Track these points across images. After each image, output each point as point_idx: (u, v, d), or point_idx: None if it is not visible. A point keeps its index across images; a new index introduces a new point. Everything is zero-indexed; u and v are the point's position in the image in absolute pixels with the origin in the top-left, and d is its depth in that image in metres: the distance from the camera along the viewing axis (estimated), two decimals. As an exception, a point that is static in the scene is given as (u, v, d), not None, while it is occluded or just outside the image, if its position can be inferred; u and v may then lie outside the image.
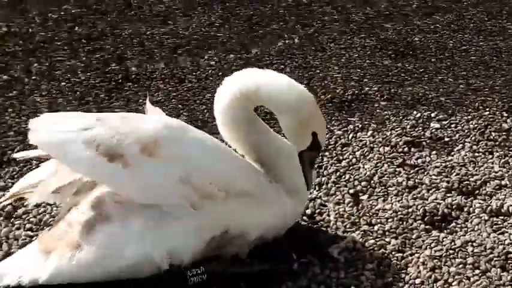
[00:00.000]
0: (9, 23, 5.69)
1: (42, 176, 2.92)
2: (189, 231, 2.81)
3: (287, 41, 5.59)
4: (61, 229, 2.86)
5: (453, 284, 3.04)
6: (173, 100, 4.64)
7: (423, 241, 3.31)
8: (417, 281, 3.06)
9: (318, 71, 5.10)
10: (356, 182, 3.74)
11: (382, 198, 3.64)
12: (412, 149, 4.08)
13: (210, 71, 5.08)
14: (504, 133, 4.24)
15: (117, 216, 2.79)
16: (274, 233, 3.12)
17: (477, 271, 3.13)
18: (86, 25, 5.73)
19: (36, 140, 2.79)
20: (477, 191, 3.70)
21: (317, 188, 3.68)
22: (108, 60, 5.17)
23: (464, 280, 3.07)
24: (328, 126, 4.29)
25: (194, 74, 5.03)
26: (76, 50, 5.33)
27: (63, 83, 4.83)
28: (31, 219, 3.38)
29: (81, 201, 2.87)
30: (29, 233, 3.28)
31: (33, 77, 4.88)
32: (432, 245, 3.28)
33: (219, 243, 2.91)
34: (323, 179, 3.77)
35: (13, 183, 3.48)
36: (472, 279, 3.07)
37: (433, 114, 4.45)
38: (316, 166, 3.73)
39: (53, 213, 3.40)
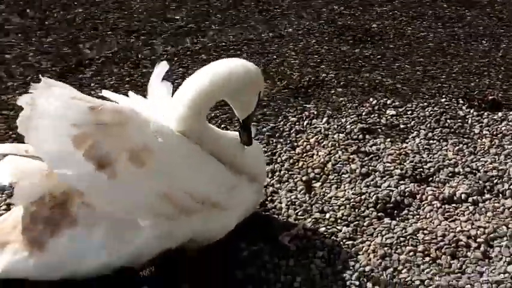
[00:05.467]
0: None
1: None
2: (151, 242, 2.72)
3: (244, 25, 5.52)
4: (19, 221, 2.73)
5: (403, 271, 3.02)
6: (126, 85, 4.54)
7: (374, 229, 3.28)
8: (367, 268, 3.03)
9: (274, 56, 5.05)
10: (309, 170, 3.70)
11: (335, 186, 3.60)
12: (367, 136, 4.04)
13: (165, 56, 4.99)
14: (459, 120, 4.23)
15: (83, 220, 2.68)
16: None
17: (427, 258, 3.10)
18: (40, 8, 5.60)
19: (23, 127, 2.57)
20: (430, 178, 3.68)
21: (269, 175, 3.63)
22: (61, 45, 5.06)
23: (414, 268, 3.04)
24: (283, 113, 4.25)
25: (149, 58, 4.94)
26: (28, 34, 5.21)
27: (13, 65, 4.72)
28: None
29: (43, 191, 2.74)
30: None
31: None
32: (383, 233, 3.25)
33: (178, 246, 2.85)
34: (276, 166, 3.72)
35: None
36: (421, 267, 3.05)
37: (389, 101, 4.42)
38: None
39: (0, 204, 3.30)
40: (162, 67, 3.29)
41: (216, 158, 2.89)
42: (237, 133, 3.05)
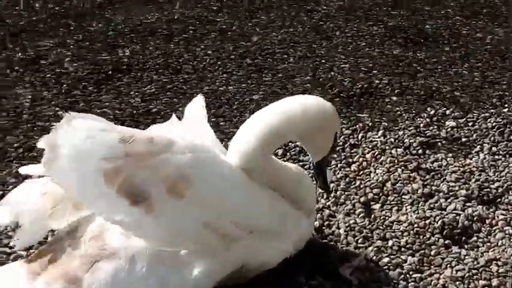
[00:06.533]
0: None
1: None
2: (200, 275, 2.50)
3: (290, 28, 5.25)
4: (55, 254, 2.52)
5: (478, 311, 2.75)
6: (168, 93, 4.30)
7: (443, 259, 3.00)
8: (438, 307, 2.76)
9: (323, 60, 4.77)
10: (367, 189, 3.43)
11: (396, 208, 3.33)
12: (427, 151, 3.76)
13: (208, 60, 4.73)
14: (525, 133, 3.93)
15: (123, 252, 2.48)
16: (294, 253, 2.83)
17: (503, 294, 2.83)
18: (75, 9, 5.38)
19: (49, 166, 2.39)
20: (499, 199, 3.40)
21: (325, 196, 3.36)
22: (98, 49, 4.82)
23: (490, 306, 2.77)
24: (336, 124, 3.98)
25: (191, 63, 4.69)
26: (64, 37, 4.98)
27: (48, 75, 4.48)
28: (10, 233, 3.01)
29: (80, 226, 2.56)
30: (6, 249, 2.94)
31: (15, 68, 4.52)
32: (453, 264, 2.97)
33: (231, 276, 2.63)
34: (331, 185, 3.44)
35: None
36: (498, 305, 2.77)
37: (448, 111, 4.14)
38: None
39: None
40: (198, 101, 3.04)
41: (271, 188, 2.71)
42: (295, 165, 2.86)
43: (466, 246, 3.10)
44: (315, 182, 2.91)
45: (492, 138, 3.90)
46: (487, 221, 3.23)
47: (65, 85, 4.33)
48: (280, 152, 3.68)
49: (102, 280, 2.44)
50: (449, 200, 3.37)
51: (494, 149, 3.81)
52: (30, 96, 4.17)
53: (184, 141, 2.54)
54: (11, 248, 2.93)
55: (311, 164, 2.95)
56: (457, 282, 2.86)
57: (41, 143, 2.42)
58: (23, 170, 2.61)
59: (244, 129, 2.65)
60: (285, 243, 2.75)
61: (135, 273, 2.46)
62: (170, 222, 2.43)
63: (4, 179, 3.35)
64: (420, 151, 3.76)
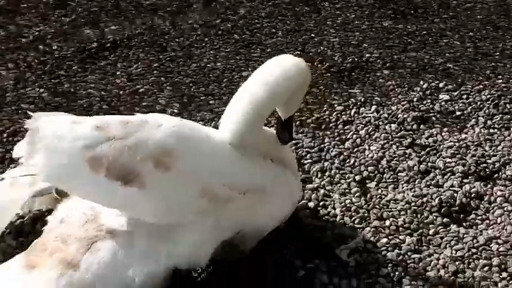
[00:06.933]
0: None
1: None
2: (198, 240, 2.49)
3: (277, 1, 5.14)
4: (50, 243, 2.47)
5: (480, 291, 2.69)
6: (155, 72, 4.19)
7: (441, 238, 2.94)
8: (440, 288, 2.70)
9: (312, 34, 4.66)
10: (362, 167, 3.35)
11: (392, 186, 3.26)
12: (422, 126, 3.68)
13: (194, 37, 4.62)
14: (520, 105, 3.87)
15: (121, 230, 2.45)
16: (284, 220, 2.84)
17: (504, 274, 2.76)
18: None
19: (34, 168, 2.36)
20: (496, 175, 3.34)
21: (319, 175, 3.29)
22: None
23: (491, 286, 2.70)
24: (328, 100, 3.89)
25: (177, 41, 4.57)
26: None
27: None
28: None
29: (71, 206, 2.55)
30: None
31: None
32: (452, 243, 2.91)
33: (228, 244, 2.60)
34: (325, 164, 3.37)
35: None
36: (500, 285, 2.71)
37: (441, 84, 4.06)
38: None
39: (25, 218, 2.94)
40: None
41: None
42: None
43: (464, 224, 3.05)
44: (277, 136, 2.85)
45: (487, 111, 3.83)
46: (485, 198, 3.18)
47: (48, 65, 4.20)
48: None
49: (101, 259, 2.40)
50: (446, 177, 3.31)
51: (489, 122, 3.74)
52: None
53: (161, 117, 2.54)
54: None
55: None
56: (457, 262, 2.81)
57: (16, 151, 2.42)
58: (5, 175, 2.57)
59: (231, 105, 2.63)
60: (279, 203, 2.74)
61: (135, 248, 2.42)
62: (163, 194, 2.40)
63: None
64: (414, 126, 3.69)
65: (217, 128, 2.67)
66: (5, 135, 3.46)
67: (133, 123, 2.45)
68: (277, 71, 2.59)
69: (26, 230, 2.86)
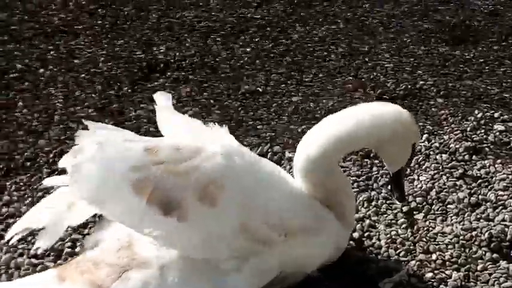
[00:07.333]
0: (26, 3, 5.26)
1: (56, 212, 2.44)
2: (237, 283, 2.40)
3: (331, 26, 5.09)
4: (83, 264, 2.43)
5: (529, 335, 2.57)
6: (205, 93, 4.17)
7: (490, 274, 2.83)
8: (486, 329, 2.59)
9: (366, 59, 4.60)
10: (410, 198, 3.26)
11: (441, 218, 3.16)
12: (474, 157, 3.57)
13: (246, 59, 4.60)
14: None
15: (154, 261, 2.37)
16: (328, 262, 2.75)
17: (555, 313, 2.65)
18: (110, 7, 5.28)
19: (76, 185, 2.29)
20: (551, 211, 3.20)
21: (365, 205, 3.21)
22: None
23: (540, 327, 2.59)
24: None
25: (228, 62, 4.56)
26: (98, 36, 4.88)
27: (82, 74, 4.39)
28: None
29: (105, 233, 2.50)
30: (33, 260, 2.83)
31: (49, 67, 4.43)
32: (501, 280, 2.80)
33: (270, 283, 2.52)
34: (372, 193, 3.29)
35: (19, 198, 3.09)
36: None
37: (496, 114, 3.95)
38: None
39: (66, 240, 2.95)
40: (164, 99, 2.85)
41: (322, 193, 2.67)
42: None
43: (514, 260, 2.93)
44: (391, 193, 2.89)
45: (544, 144, 3.71)
46: (538, 234, 3.05)
47: (98, 85, 4.23)
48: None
49: None
50: (497, 210, 3.20)
51: (546, 155, 3.62)
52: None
53: (214, 145, 2.45)
54: (37, 258, 2.84)
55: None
56: (505, 301, 2.70)
57: (62, 162, 2.36)
58: (48, 182, 2.51)
59: (312, 132, 2.61)
60: (321, 247, 2.65)
61: (167, 282, 2.35)
62: (204, 229, 2.33)
63: (34, 184, 3.25)
64: (467, 157, 3.59)
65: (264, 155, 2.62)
66: (51, 155, 3.47)
67: (185, 149, 2.39)
68: (369, 111, 2.58)
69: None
